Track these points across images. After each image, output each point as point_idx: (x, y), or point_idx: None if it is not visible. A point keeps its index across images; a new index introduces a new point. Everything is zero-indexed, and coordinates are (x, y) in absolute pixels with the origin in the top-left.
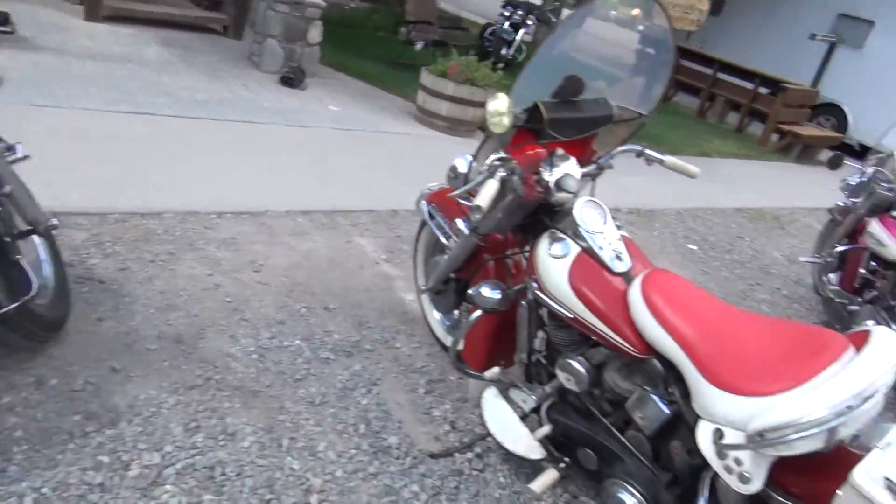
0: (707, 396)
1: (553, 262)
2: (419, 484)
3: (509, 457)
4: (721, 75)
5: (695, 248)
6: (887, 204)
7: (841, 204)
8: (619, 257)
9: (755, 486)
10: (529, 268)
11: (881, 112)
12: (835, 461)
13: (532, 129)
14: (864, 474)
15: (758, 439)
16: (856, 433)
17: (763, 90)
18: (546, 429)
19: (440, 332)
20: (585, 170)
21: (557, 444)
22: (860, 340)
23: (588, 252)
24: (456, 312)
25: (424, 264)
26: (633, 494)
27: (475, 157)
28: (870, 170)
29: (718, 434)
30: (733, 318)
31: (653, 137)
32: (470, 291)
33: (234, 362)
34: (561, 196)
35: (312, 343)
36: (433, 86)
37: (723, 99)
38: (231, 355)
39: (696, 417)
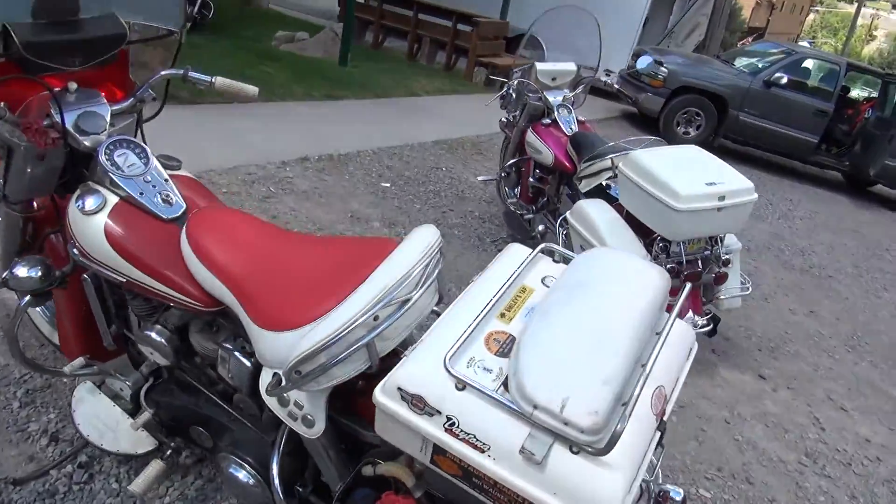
0: (258, 340)
1: (86, 219)
2: None
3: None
4: (423, 16)
5: (388, 185)
6: (539, 112)
7: (504, 119)
8: (166, 201)
9: (318, 427)
10: (69, 231)
11: (565, 38)
12: None
13: (18, 60)
14: (381, 391)
15: (296, 376)
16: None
17: (464, 27)
18: (146, 415)
19: (45, 327)
20: (118, 106)
21: (170, 429)
22: None
23: (128, 201)
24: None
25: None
26: (241, 465)
27: None
28: (516, 82)
29: (277, 380)
30: (289, 248)
31: (359, 84)
32: (4, 275)
33: None
34: (92, 141)
35: None
36: None
37: (429, 39)
38: None
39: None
